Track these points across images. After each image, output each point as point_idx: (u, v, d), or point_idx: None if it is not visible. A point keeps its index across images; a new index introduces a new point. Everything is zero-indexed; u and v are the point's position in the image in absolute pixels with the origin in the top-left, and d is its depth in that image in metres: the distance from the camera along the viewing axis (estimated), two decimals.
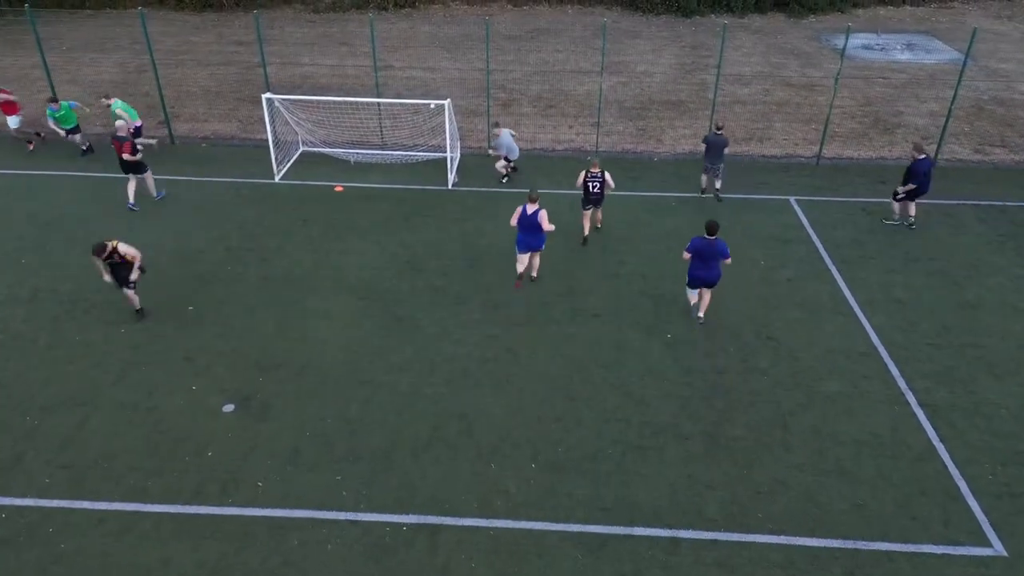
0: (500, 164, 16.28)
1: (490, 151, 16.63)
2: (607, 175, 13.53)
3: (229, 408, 10.19)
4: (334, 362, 11.07)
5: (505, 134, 15.98)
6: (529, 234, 12.10)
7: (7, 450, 9.45)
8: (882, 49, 26.23)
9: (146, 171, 15.22)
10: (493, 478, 9.16)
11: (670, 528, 8.52)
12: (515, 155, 16.23)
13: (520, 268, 12.70)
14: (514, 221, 12.11)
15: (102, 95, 17.74)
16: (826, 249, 14.13)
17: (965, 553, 8.27)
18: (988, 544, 8.36)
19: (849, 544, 8.36)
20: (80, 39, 26.53)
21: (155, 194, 15.58)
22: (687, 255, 11.41)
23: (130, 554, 8.19)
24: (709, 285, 11.61)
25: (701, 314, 11.95)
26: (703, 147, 15.74)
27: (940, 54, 25.60)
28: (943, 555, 8.25)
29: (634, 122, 20.05)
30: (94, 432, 9.75)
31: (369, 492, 8.96)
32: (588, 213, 13.88)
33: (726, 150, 15.45)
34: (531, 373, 10.88)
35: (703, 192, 16.11)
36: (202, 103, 21.03)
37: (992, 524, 8.59)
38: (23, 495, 8.86)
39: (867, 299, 12.63)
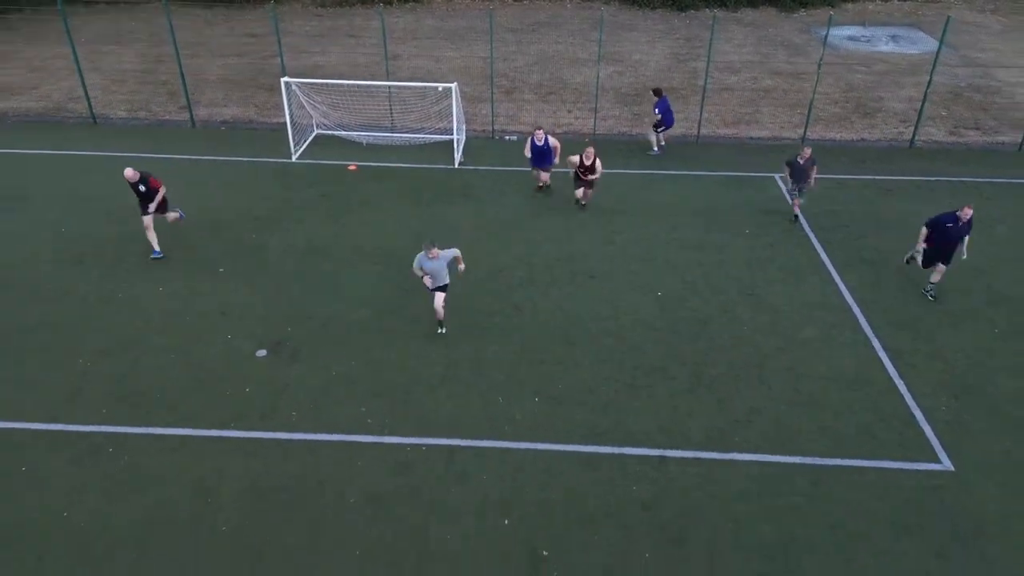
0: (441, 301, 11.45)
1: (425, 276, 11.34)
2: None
3: (262, 353, 11.32)
4: (356, 315, 12.20)
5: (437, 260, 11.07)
6: (542, 158, 15.50)
7: (67, 386, 10.58)
8: (868, 41, 27.38)
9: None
10: (501, 409, 10.29)
11: (658, 448, 9.65)
12: (440, 280, 11.28)
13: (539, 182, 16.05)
14: (527, 152, 15.46)
15: None
16: (806, 219, 15.26)
17: (918, 468, 9.41)
18: (938, 461, 9.51)
19: (816, 461, 9.49)
20: (97, 32, 27.62)
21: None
22: (656, 112, 17.26)
23: (187, 467, 9.32)
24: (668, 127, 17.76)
25: (659, 149, 17.94)
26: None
27: (923, 45, 26.75)
28: (899, 469, 9.38)
29: (629, 107, 21.19)
30: (144, 372, 10.88)
31: (391, 421, 10.08)
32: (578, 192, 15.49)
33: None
34: (534, 324, 12.01)
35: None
36: (219, 90, 22.15)
37: (943, 445, 9.73)
38: (85, 423, 9.98)
39: (842, 261, 13.77)
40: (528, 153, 15.58)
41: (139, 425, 9.96)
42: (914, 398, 10.52)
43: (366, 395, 10.53)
